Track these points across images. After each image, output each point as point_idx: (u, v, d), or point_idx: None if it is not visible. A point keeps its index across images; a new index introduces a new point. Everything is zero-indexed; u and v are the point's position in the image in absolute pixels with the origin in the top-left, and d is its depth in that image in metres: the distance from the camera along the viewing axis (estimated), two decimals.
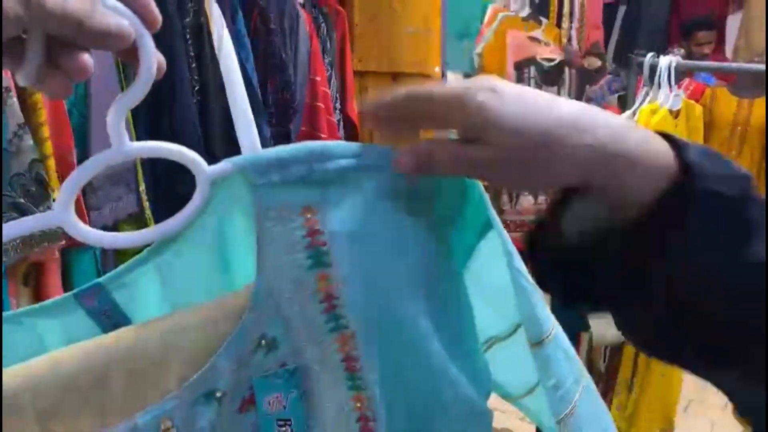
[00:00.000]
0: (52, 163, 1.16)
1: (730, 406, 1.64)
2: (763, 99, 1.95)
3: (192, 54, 1.38)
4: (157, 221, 1.35)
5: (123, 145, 0.36)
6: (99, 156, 0.36)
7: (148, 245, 0.41)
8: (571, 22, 3.38)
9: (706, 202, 0.33)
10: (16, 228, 0.36)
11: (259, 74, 1.55)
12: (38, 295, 1.24)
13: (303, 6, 1.71)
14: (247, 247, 0.40)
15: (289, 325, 0.39)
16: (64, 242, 1.16)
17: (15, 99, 1.09)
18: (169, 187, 1.38)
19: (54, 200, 1.14)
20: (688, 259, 0.33)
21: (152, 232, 0.39)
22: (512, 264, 0.39)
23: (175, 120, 1.35)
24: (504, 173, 0.35)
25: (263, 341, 0.40)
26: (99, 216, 1.25)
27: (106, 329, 0.41)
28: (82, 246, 1.24)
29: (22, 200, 1.11)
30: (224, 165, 0.38)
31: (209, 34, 1.39)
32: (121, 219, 1.30)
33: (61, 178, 1.18)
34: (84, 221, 1.27)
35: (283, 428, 0.41)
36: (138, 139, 1.38)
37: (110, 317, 0.41)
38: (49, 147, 1.16)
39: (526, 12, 3.05)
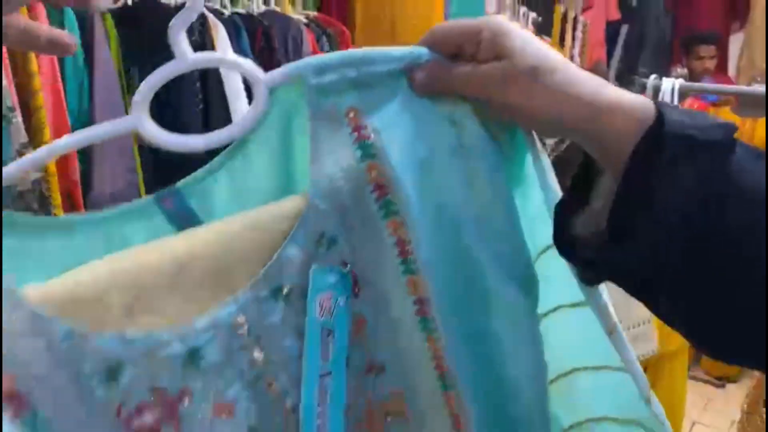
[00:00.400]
0: (55, 180, 1.17)
1: (734, 428, 1.61)
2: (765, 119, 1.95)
3: (196, 73, 1.39)
4: None
5: (186, 56, 0.38)
6: (167, 66, 0.39)
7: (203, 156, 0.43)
8: (573, 40, 3.40)
9: (673, 147, 0.34)
10: (92, 133, 0.37)
11: None
12: None
13: (307, 26, 1.72)
14: (306, 155, 0.42)
15: (346, 220, 0.42)
16: None
17: (19, 118, 1.09)
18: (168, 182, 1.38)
19: (55, 216, 1.14)
20: (659, 203, 0.34)
21: (219, 134, 0.42)
22: (546, 183, 0.43)
23: None
24: (510, 92, 0.38)
25: (323, 238, 0.41)
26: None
27: None
28: None
29: None
30: (282, 70, 0.41)
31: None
32: None
33: (64, 195, 1.18)
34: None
35: (328, 338, 0.42)
36: (143, 159, 1.38)
37: (187, 222, 0.43)
38: (52, 165, 1.16)
39: (529, 30, 3.07)
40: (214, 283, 0.38)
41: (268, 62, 1.57)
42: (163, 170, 1.39)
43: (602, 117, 0.36)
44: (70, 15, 1.20)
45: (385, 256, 0.43)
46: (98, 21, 1.24)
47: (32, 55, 1.13)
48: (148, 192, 1.33)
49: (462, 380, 0.45)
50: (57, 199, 1.16)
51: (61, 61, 1.19)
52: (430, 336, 0.44)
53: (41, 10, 1.15)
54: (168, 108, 1.35)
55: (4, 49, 1.10)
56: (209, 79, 1.40)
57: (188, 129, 1.55)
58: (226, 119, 1.44)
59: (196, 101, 1.39)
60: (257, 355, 0.40)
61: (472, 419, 0.45)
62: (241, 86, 1.46)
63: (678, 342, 1.42)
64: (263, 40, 1.56)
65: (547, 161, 0.44)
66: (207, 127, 1.43)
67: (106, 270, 0.35)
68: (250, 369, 0.39)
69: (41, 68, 1.14)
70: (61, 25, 1.20)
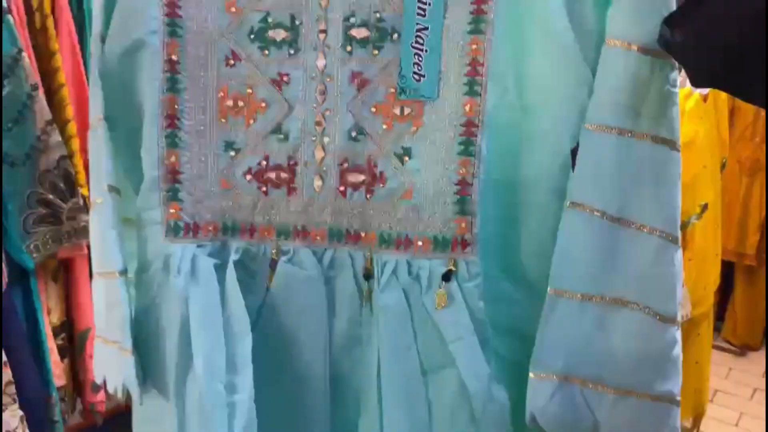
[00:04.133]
0: (79, 159, 1.17)
1: (757, 396, 1.59)
2: None
3: None
4: None
5: None
6: None
7: None
8: None
9: None
10: None
11: None
12: (67, 291, 1.25)
13: None
14: None
15: None
16: None
17: (42, 96, 1.09)
18: None
19: (82, 195, 1.14)
20: None
21: None
22: None
23: None
24: None
25: None
26: None
27: None
28: None
29: (51, 196, 1.12)
30: None
31: None
32: None
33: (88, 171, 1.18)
34: None
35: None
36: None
37: None
38: (76, 143, 1.16)
39: None
40: None
41: None
42: None
43: None
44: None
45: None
46: None
47: (53, 34, 1.12)
48: None
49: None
50: (82, 177, 1.16)
51: (81, 37, 1.19)
52: (475, 37, 0.60)
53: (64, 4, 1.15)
54: None
55: (25, 30, 1.10)
56: None
57: None
58: None
59: None
60: None
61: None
62: None
63: (706, 305, 1.41)
64: None
65: None
66: None
67: None
68: None
69: (62, 47, 1.14)
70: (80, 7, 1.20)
